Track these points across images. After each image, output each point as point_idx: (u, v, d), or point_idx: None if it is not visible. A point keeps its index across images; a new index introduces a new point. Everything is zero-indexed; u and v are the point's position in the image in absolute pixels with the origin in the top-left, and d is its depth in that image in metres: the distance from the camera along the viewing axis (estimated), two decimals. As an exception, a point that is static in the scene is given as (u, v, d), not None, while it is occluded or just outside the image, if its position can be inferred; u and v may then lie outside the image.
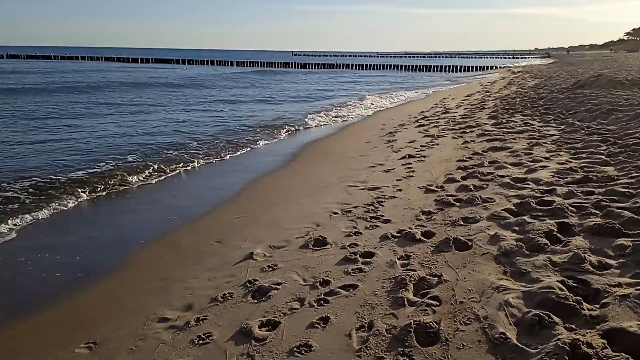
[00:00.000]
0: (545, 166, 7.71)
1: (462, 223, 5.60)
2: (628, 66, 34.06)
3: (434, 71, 71.88)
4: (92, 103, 23.41)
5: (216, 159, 11.66)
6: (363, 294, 4.16)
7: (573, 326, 3.17)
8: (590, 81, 18.73)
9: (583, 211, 5.33)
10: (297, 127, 16.67)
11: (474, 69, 69.49)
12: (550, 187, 6.41)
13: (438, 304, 3.78)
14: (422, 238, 5.29)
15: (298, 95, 30.27)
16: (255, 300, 4.33)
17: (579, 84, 19.11)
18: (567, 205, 5.50)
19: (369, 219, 6.23)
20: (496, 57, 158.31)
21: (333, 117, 19.69)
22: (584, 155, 8.23)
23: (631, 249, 4.15)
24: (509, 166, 8.07)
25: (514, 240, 4.71)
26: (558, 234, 4.76)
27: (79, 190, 8.49)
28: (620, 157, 7.61)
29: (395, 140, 12.69)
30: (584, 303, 3.41)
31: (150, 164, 10.49)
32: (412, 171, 8.78)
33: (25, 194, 8.19)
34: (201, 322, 4.06)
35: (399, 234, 5.48)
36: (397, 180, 8.23)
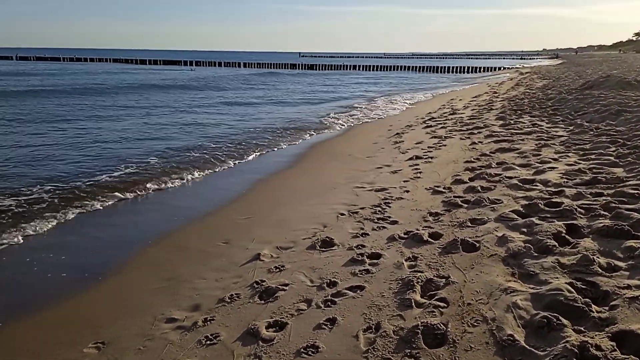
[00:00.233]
0: (553, 167, 7.67)
1: (469, 224, 5.58)
2: (637, 67, 33.87)
3: (441, 72, 71.70)
4: (110, 105, 23.46)
5: (239, 161, 11.59)
6: (370, 295, 4.16)
7: (582, 328, 3.15)
8: (599, 82, 18.61)
9: (592, 213, 5.30)
10: (315, 129, 16.58)
11: (482, 70, 69.27)
12: (559, 189, 6.37)
13: (445, 305, 3.77)
14: (430, 239, 5.27)
15: (312, 97, 30.15)
16: (263, 301, 4.33)
17: (588, 84, 19.00)
18: (576, 207, 5.47)
19: (376, 220, 6.22)
20: (504, 58, 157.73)
21: (347, 118, 19.69)
22: (592, 156, 8.18)
23: (641, 251, 4.12)
24: (517, 167, 8.04)
25: (522, 242, 4.68)
26: (566, 236, 4.74)
27: (94, 194, 8.44)
28: (629, 159, 7.55)
29: (403, 141, 12.67)
30: (593, 305, 3.39)
31: (171, 167, 10.44)
32: (420, 172, 8.76)
33: (45, 197, 8.19)
34: (209, 322, 4.07)
35: (406, 235, 5.47)
36: (404, 181, 8.22)
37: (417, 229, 5.59)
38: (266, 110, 22.55)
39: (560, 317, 3.22)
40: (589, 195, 5.95)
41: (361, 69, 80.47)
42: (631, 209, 5.15)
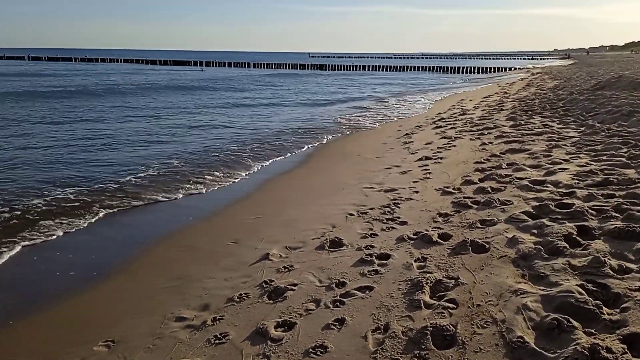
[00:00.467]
0: (564, 168, 7.62)
1: (479, 225, 5.55)
2: (650, 67, 33.49)
3: (451, 72, 71.46)
4: (129, 106, 23.60)
5: (266, 163, 11.52)
6: (379, 295, 4.15)
7: (592, 331, 3.12)
8: (611, 82, 18.45)
9: (603, 214, 5.26)
10: (327, 131, 16.50)
11: (492, 70, 68.93)
12: (570, 190, 6.33)
13: (455, 306, 3.75)
14: (439, 240, 5.25)
15: (322, 98, 30.11)
16: (271, 301, 4.34)
17: (599, 85, 18.84)
18: (587, 208, 5.42)
19: (385, 221, 6.21)
20: (514, 58, 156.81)
21: (357, 118, 19.68)
22: (604, 157, 8.10)
23: (653, 253, 4.08)
24: (527, 168, 7.99)
25: (533, 243, 4.65)
26: (577, 237, 4.70)
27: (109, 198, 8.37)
28: (641, 160, 7.48)
29: (412, 141, 12.64)
30: (604, 307, 3.36)
31: (201, 171, 10.32)
32: (429, 173, 8.73)
33: (71, 197, 8.27)
34: (217, 321, 4.08)
35: (415, 236, 5.45)
36: (413, 182, 8.20)
37: (427, 230, 5.58)
38: (277, 112, 22.58)
39: (571, 319, 3.19)
40: (600, 197, 5.90)
41: (371, 69, 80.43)
42: (643, 211, 5.09)
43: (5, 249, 6.11)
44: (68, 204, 7.88)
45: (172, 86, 37.26)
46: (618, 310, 3.33)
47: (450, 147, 11.17)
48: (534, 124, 12.86)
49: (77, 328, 4.33)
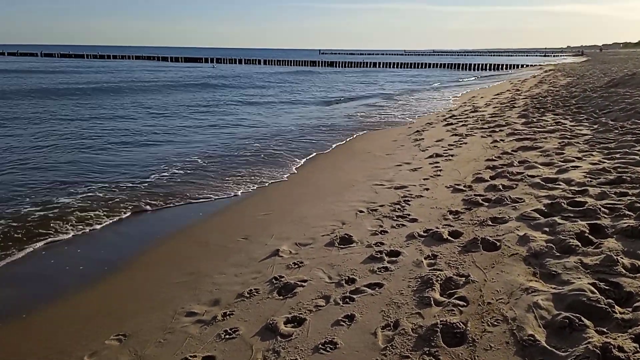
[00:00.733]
0: (577, 166, 7.55)
1: (490, 223, 5.52)
2: (665, 64, 33.06)
3: (463, 69, 71.08)
4: (143, 104, 23.71)
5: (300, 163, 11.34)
6: (389, 292, 4.15)
7: (604, 329, 3.10)
8: (625, 80, 18.25)
9: (616, 213, 5.20)
10: (340, 128, 16.45)
11: (504, 68, 68.48)
12: (582, 188, 6.27)
13: (465, 304, 3.74)
14: (450, 238, 5.24)
15: (334, 95, 30.11)
16: (281, 297, 4.36)
17: (613, 82, 18.64)
18: (600, 207, 5.37)
19: (395, 218, 6.20)
20: (527, 55, 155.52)
21: (368, 116, 19.63)
22: (617, 155, 8.02)
23: (666, 252, 4.04)
24: (539, 166, 7.92)
25: (544, 242, 4.62)
26: (590, 236, 4.66)
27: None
28: (655, 158, 7.39)
29: (423, 139, 12.60)
30: (616, 306, 3.33)
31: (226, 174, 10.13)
32: (440, 170, 8.70)
33: (100, 195, 8.30)
34: (228, 317, 4.11)
35: (425, 234, 5.44)
36: (424, 179, 8.17)
37: (437, 227, 5.56)
38: (287, 110, 22.52)
39: (583, 318, 3.17)
40: (613, 195, 5.84)
41: (382, 65, 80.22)
42: (657, 209, 5.04)
43: (26, 246, 6.17)
44: (97, 202, 7.90)
45: (187, 84, 37.31)
46: (630, 309, 3.30)
47: (461, 144, 11.12)
48: (546, 121, 12.75)
49: (89, 321, 4.37)
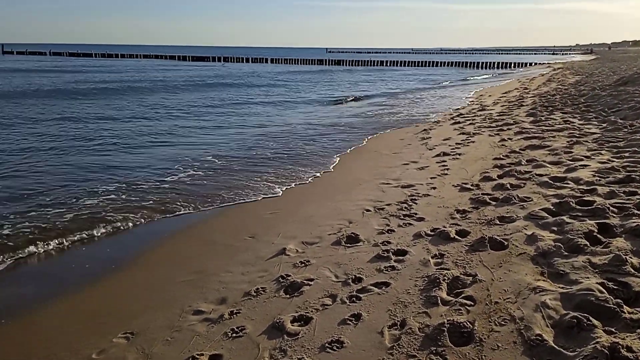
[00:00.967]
0: (585, 165, 7.50)
1: (498, 222, 5.50)
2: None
3: (470, 68, 70.79)
4: (174, 104, 23.68)
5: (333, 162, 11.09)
6: (395, 291, 4.14)
7: (613, 329, 3.07)
8: (634, 78, 18.10)
9: (625, 212, 5.16)
10: (347, 128, 16.30)
11: (513, 66, 68.15)
12: (591, 187, 6.23)
13: (472, 303, 3.72)
14: (457, 237, 5.22)
15: (341, 94, 29.90)
16: (288, 296, 4.36)
17: (622, 80, 18.50)
18: (608, 206, 5.33)
19: (402, 217, 6.18)
20: (535, 53, 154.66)
21: (376, 115, 19.56)
22: (626, 154, 7.95)
23: (676, 251, 4.00)
24: (547, 165, 7.88)
25: (552, 241, 4.59)
26: (598, 235, 4.63)
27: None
28: (665, 157, 7.33)
29: (430, 137, 12.56)
30: (624, 306, 3.31)
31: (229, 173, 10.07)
32: (447, 169, 8.67)
33: (120, 196, 8.23)
34: (235, 315, 4.12)
35: (432, 233, 5.42)
36: (431, 178, 8.14)
37: (444, 226, 5.54)
38: (296, 109, 22.41)
39: (591, 318, 3.15)
40: (622, 194, 5.79)
41: (389, 64, 79.97)
42: (667, 209, 4.99)
43: (36, 244, 6.18)
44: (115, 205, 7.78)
45: (197, 83, 37.23)
46: (639, 309, 3.27)
47: (468, 143, 11.07)
48: (555, 119, 12.68)
49: (97, 320, 4.40)
